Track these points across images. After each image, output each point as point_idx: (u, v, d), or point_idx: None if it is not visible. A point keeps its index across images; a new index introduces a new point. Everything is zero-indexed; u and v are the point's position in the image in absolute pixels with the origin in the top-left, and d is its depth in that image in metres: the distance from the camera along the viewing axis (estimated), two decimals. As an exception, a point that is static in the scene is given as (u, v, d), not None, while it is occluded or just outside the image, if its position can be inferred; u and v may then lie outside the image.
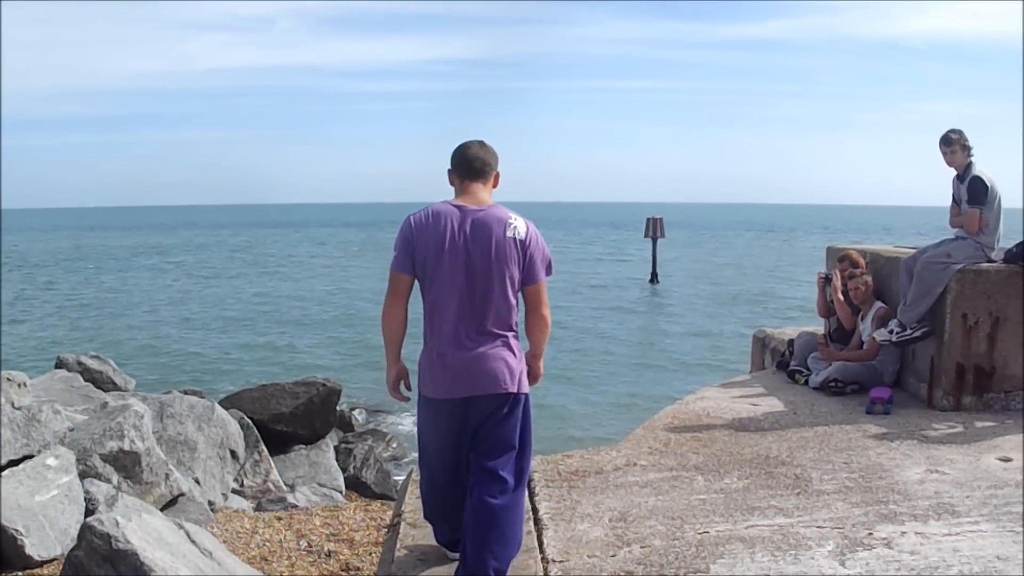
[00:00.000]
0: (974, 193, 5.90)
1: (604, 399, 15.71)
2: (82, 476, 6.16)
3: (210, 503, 7.55)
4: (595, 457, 4.91)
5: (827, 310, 7.08)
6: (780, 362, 7.19)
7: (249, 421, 9.15)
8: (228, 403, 10.13)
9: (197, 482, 7.60)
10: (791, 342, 7.16)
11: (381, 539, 5.90)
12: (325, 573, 5.55)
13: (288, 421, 10.06)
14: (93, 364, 9.88)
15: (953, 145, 5.93)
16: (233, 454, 8.30)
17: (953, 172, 6.11)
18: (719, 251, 59.61)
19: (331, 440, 10.57)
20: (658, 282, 34.69)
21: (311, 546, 5.96)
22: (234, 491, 8.33)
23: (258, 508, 7.57)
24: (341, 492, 8.98)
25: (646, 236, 34.09)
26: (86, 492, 5.80)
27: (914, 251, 6.29)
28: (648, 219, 33.63)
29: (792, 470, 4.62)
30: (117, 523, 4.77)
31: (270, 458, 8.89)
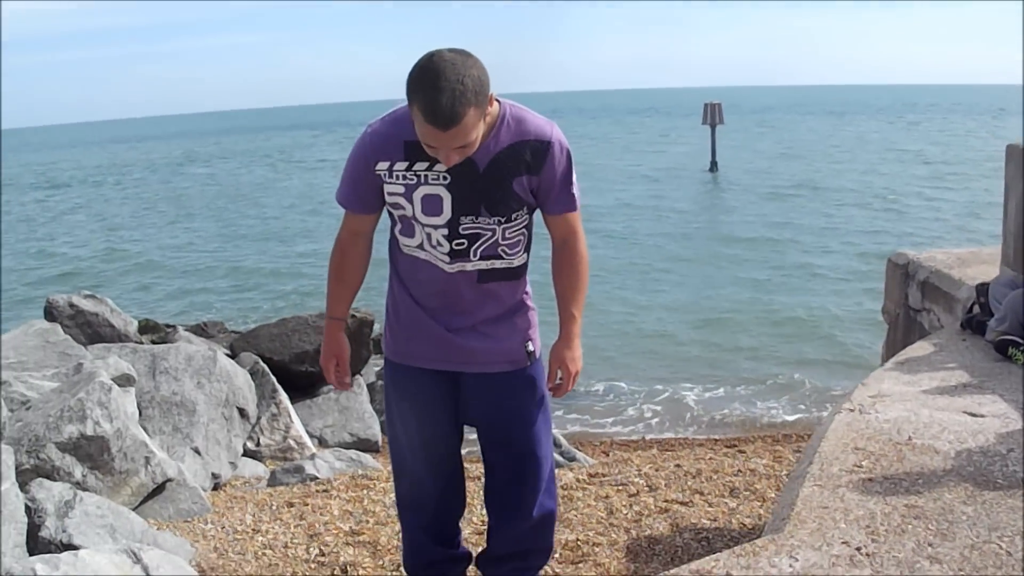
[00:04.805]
0: None
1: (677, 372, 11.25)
2: (36, 473, 4.87)
3: (214, 476, 6.29)
4: (756, 563, 2.54)
5: None
6: (969, 319, 4.93)
7: (264, 366, 7.82)
8: (243, 342, 8.81)
9: (197, 452, 6.31)
10: (981, 288, 4.88)
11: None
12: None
13: (313, 360, 8.63)
14: (87, 305, 8.54)
15: None
16: (242, 412, 6.99)
17: None
18: (782, 137, 56.59)
19: (364, 379, 9.25)
20: (718, 171, 32.69)
21: (323, 554, 4.63)
22: (249, 452, 7.08)
23: (272, 481, 6.28)
24: (375, 448, 7.70)
25: (704, 123, 31.93)
26: (31, 500, 4.49)
27: None
28: (706, 105, 31.42)
29: None
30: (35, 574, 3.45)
31: (291, 409, 7.58)
